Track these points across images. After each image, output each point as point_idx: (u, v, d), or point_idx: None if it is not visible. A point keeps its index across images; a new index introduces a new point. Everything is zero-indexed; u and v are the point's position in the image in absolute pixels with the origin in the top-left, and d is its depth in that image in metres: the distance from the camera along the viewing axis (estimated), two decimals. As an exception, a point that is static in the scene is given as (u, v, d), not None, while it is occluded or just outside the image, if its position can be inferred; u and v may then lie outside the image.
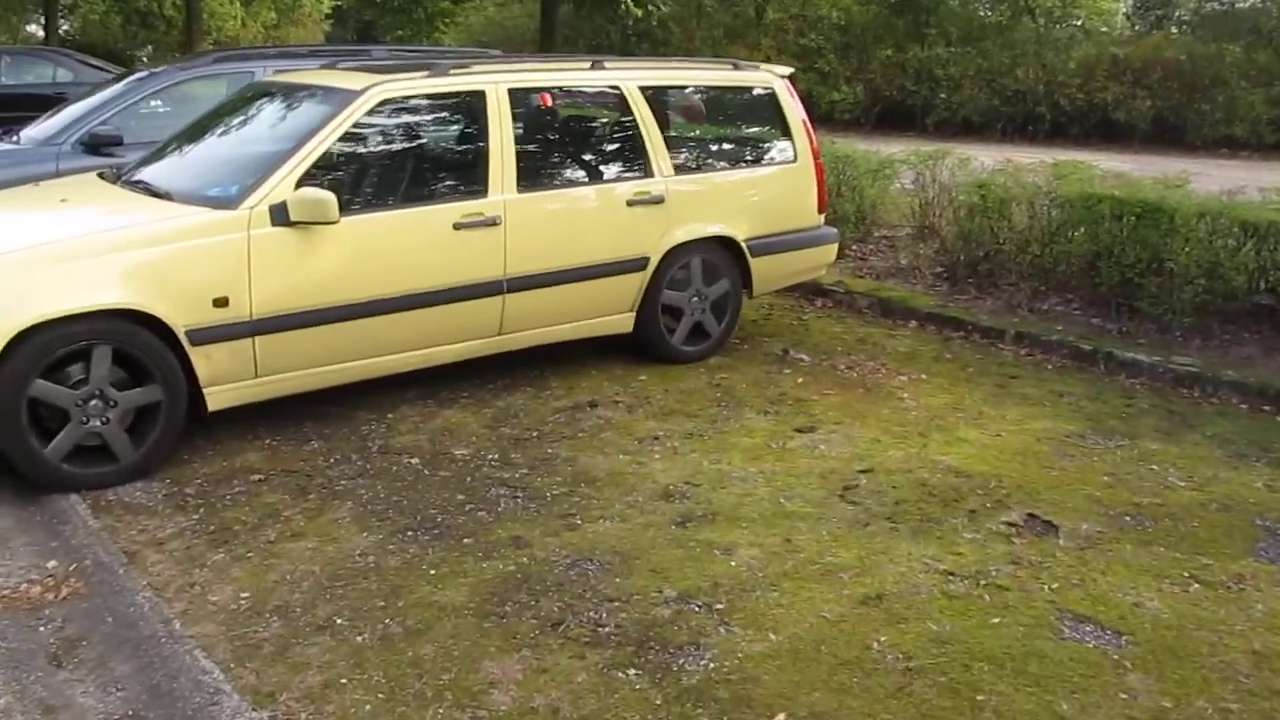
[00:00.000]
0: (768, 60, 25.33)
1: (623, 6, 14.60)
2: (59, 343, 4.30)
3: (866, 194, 8.67)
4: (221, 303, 4.60)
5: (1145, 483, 4.70)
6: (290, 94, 5.42)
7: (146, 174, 5.26)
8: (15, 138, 7.71)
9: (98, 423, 4.43)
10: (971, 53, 22.44)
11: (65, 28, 33.09)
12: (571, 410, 5.40)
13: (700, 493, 4.47)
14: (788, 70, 6.54)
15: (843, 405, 5.57)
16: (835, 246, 6.77)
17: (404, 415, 5.30)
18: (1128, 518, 4.35)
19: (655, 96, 5.96)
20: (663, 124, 5.95)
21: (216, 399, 4.74)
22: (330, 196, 4.63)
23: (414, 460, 4.78)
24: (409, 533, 4.12)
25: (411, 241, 5.06)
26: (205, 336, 4.59)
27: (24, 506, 4.35)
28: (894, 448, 5.00)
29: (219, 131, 5.56)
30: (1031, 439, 5.17)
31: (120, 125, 7.35)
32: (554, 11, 12.49)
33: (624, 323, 5.91)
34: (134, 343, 4.44)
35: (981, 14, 24.36)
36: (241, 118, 5.54)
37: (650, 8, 16.31)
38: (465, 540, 4.07)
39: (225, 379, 4.72)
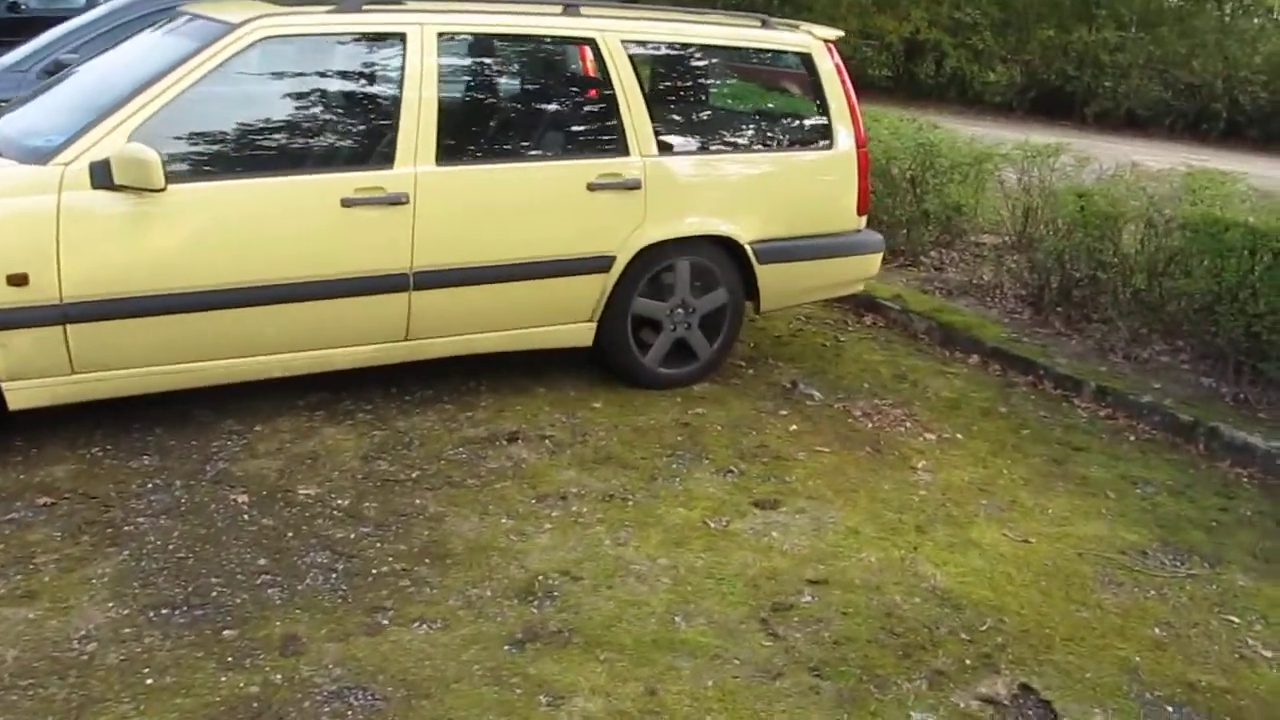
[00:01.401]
0: (915, 33, 23.54)
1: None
2: None
3: (949, 192, 7.22)
4: (18, 280, 3.63)
5: (1213, 645, 3.32)
6: (174, 25, 4.40)
7: (2, 118, 4.33)
8: (-13, 63, 6.96)
9: None
10: (1144, 39, 20.24)
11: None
12: (483, 444, 4.28)
13: (573, 593, 3.30)
14: (834, 33, 5.22)
15: (832, 470, 4.30)
16: (878, 258, 5.44)
17: (276, 429, 4.27)
18: (1169, 708, 3.00)
19: (647, 56, 4.73)
20: (653, 91, 4.72)
21: (19, 397, 3.79)
22: (153, 156, 3.61)
23: (242, 498, 3.74)
24: (163, 611, 3.09)
25: (282, 218, 4.00)
26: (-1, 320, 3.63)
27: None
28: (872, 547, 3.72)
29: (92, 68, 4.58)
30: (1071, 551, 3.82)
31: (88, 53, 6.50)
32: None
33: (581, 334, 4.75)
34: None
35: (1161, -4, 21.93)
36: (120, 53, 4.55)
37: None
38: (225, 633, 3.01)
39: (29, 373, 3.76)
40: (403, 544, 3.51)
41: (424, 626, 3.08)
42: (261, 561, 3.37)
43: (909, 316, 6.31)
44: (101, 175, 3.65)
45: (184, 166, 3.87)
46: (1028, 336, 5.97)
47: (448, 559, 3.44)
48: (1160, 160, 15.26)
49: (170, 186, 3.74)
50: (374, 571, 3.34)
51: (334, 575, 3.31)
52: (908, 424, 4.85)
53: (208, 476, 3.88)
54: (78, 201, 3.67)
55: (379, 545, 3.50)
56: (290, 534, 3.53)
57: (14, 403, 3.79)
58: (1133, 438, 4.95)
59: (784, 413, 4.85)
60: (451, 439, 4.30)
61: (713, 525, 3.78)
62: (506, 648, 3.01)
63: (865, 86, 25.64)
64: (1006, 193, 7.46)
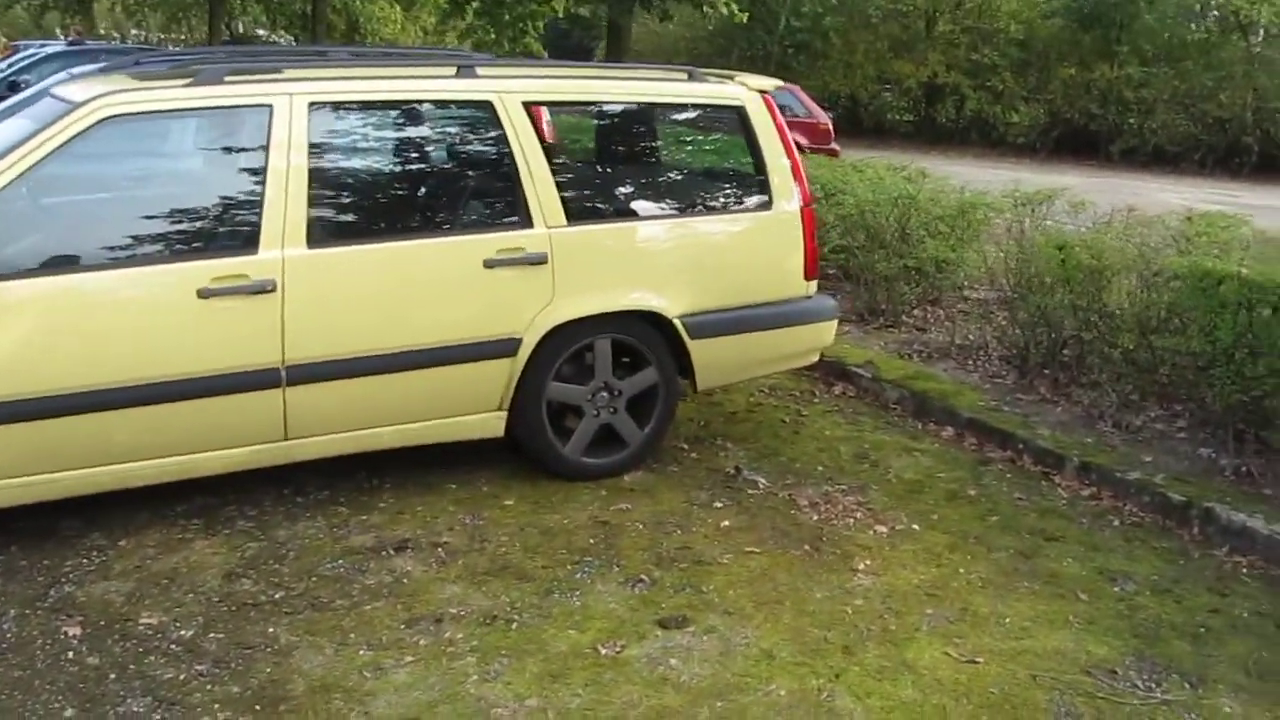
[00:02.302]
0: (933, 76, 23.11)
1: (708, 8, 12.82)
2: None
3: (931, 246, 6.72)
4: None
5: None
6: (26, 103, 4.05)
7: None
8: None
9: None
10: (1169, 73, 19.71)
11: (244, 29, 33.84)
12: (366, 555, 3.83)
13: (413, 750, 2.82)
14: (770, 83, 4.83)
15: (759, 577, 3.79)
16: (832, 325, 4.95)
17: (141, 543, 3.85)
18: None
19: (553, 115, 4.32)
20: (563, 155, 4.29)
21: None
22: (-36, 249, 3.23)
23: (74, 630, 3.31)
24: (-73, 785, 2.65)
25: (132, 314, 3.61)
26: None
27: None
28: (786, 675, 3.21)
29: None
30: (1025, 673, 3.28)
31: None
32: (623, 14, 10.81)
33: (490, 425, 4.30)
34: None
35: (1183, 30, 21.35)
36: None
37: (729, 6, 14.62)
38: (-7, 813, 2.56)
39: None
40: (236, 685, 3.05)
41: (226, 800, 2.62)
42: (68, 713, 2.92)
43: (880, 385, 5.80)
44: (-79, 271, 3.29)
45: (22, 260, 3.49)
46: (1009, 404, 5.44)
47: (281, 704, 2.97)
48: (1187, 198, 14.71)
49: (2, 284, 3.37)
50: (192, 723, 2.89)
51: (144, 730, 2.86)
52: (858, 514, 4.34)
53: (47, 603, 3.46)
54: (-107, 298, 3.30)
55: (209, 688, 3.04)
56: (113, 675, 3.09)
57: None
58: (1117, 522, 4.40)
59: (719, 505, 4.36)
60: (333, 549, 3.85)
61: (604, 651, 3.29)
62: (315, 827, 2.54)
63: (885, 132, 25.44)
64: (996, 244, 6.98)
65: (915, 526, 4.26)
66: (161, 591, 3.55)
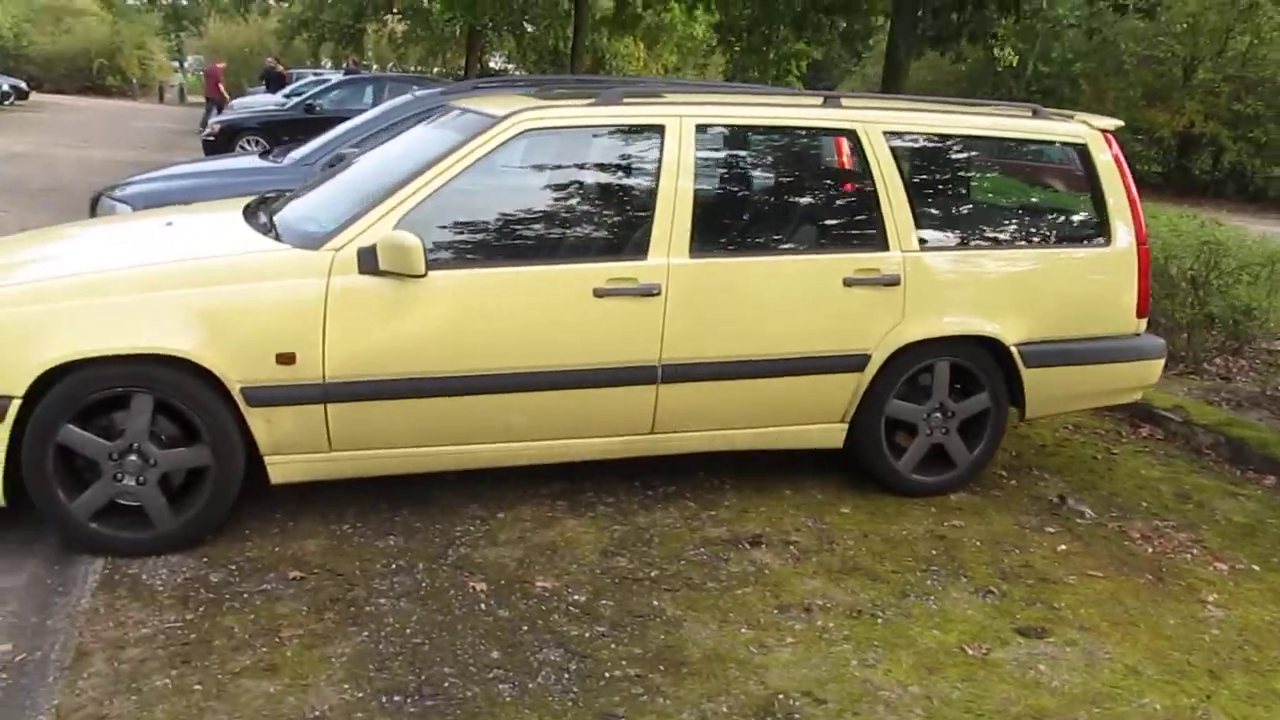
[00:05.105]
0: (1189, 126, 22.23)
1: (990, 49, 12.75)
2: (91, 386, 3.63)
3: (1237, 294, 6.59)
4: (286, 359, 3.76)
5: None
6: (438, 118, 4.55)
7: (284, 204, 4.58)
8: (281, 158, 7.51)
9: (132, 482, 3.73)
10: None
11: (494, 63, 35.70)
12: (724, 545, 4.11)
13: (816, 718, 3.05)
14: (1112, 123, 4.86)
15: (1107, 599, 3.87)
16: (1159, 364, 4.97)
17: (518, 517, 4.25)
18: None
19: (907, 147, 4.54)
20: (914, 184, 4.51)
21: (281, 471, 3.92)
22: (415, 243, 3.69)
23: (481, 586, 3.70)
24: (395, 698, 3.05)
25: (535, 307, 4.00)
26: (266, 397, 3.77)
27: (50, 565, 3.73)
28: (1156, 691, 3.29)
29: (364, 160, 4.80)
30: (1404, 714, 3.26)
31: (366, 147, 6.91)
32: (899, 54, 10.99)
33: (831, 436, 4.53)
34: (180, 395, 3.70)
35: None
36: (388, 146, 4.75)
37: (1004, 48, 14.30)
38: (452, 729, 2.93)
39: (292, 449, 3.89)
40: (638, 647, 3.36)
41: (656, 740, 2.91)
42: (495, 654, 3.29)
43: (1192, 429, 5.74)
44: (368, 261, 3.77)
45: (446, 254, 3.95)
46: (1337, 457, 5.30)
47: (683, 667, 3.26)
48: None
49: (430, 273, 3.82)
50: (607, 674, 3.20)
51: (566, 675, 3.19)
52: (1194, 551, 4.35)
53: (449, 561, 3.88)
54: (345, 285, 3.78)
55: (613, 646, 3.36)
56: (525, 627, 3.45)
57: (275, 476, 3.92)
58: None
59: (1050, 530, 4.45)
60: (692, 538, 4.15)
61: (970, 652, 3.45)
62: (743, 772, 2.79)
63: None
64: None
65: (1255, 567, 4.24)
66: (548, 560, 3.91)
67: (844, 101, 4.52)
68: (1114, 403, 5.27)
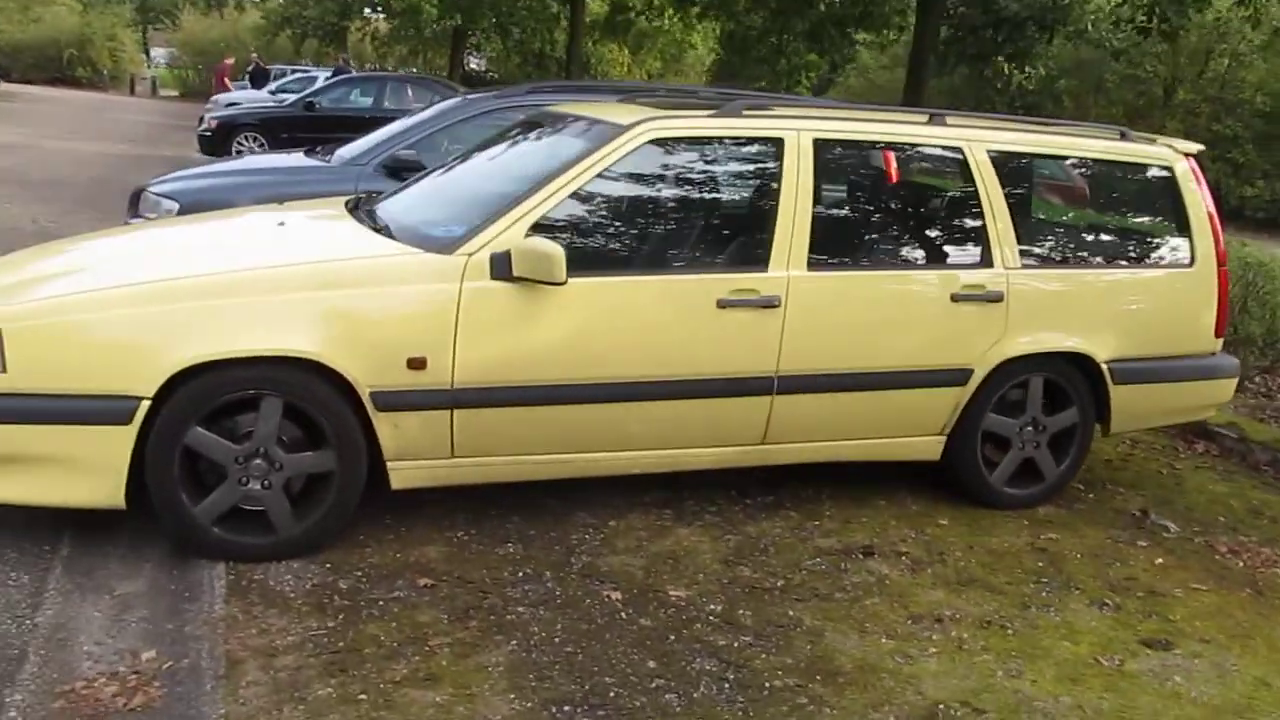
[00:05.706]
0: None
1: (1001, 68, 12.94)
2: (223, 388, 3.60)
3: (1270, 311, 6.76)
4: (417, 364, 3.76)
5: None
6: (555, 126, 4.56)
7: (384, 205, 4.57)
8: (328, 157, 7.47)
9: (258, 485, 3.71)
10: None
11: (474, 64, 35.58)
12: (838, 555, 4.16)
13: (982, 726, 3.11)
14: (1194, 147, 4.98)
15: (1217, 611, 3.97)
16: (1233, 383, 5.11)
17: (629, 526, 4.27)
18: None
19: (1008, 165, 4.62)
20: (1013, 202, 4.59)
21: (402, 476, 3.92)
22: (557, 251, 3.69)
23: (615, 594, 3.72)
24: (565, 708, 3.06)
25: (660, 316, 4.03)
26: (394, 402, 3.77)
27: (168, 569, 3.70)
28: (1294, 702, 3.39)
29: (472, 164, 4.80)
30: None
31: (424, 150, 6.90)
32: (922, 69, 11.15)
33: (929, 448, 4.59)
34: (309, 399, 3.68)
35: None
36: (500, 150, 4.76)
37: (1028, 70, 14.47)
38: (633, 737, 2.95)
39: (415, 454, 3.88)
40: (788, 657, 3.40)
41: (835, 750, 2.95)
42: (650, 664, 3.31)
43: (1248, 446, 5.88)
44: (501, 267, 3.77)
45: (575, 261, 3.95)
46: (1394, 476, 5.46)
47: (839, 677, 3.31)
48: None
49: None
50: (767, 685, 3.24)
51: (726, 685, 3.23)
52: (1282, 565, 4.46)
53: (574, 569, 3.89)
54: (477, 290, 3.78)
55: (764, 656, 3.40)
56: (672, 636, 3.48)
57: (396, 482, 3.91)
58: None
59: (1142, 544, 4.54)
60: (804, 550, 4.19)
61: (1105, 663, 3.53)
62: (930, 782, 2.84)
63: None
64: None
65: (1344, 583, 4.36)
66: (672, 570, 3.94)
67: (949, 120, 4.59)
68: (1189, 419, 5.40)
